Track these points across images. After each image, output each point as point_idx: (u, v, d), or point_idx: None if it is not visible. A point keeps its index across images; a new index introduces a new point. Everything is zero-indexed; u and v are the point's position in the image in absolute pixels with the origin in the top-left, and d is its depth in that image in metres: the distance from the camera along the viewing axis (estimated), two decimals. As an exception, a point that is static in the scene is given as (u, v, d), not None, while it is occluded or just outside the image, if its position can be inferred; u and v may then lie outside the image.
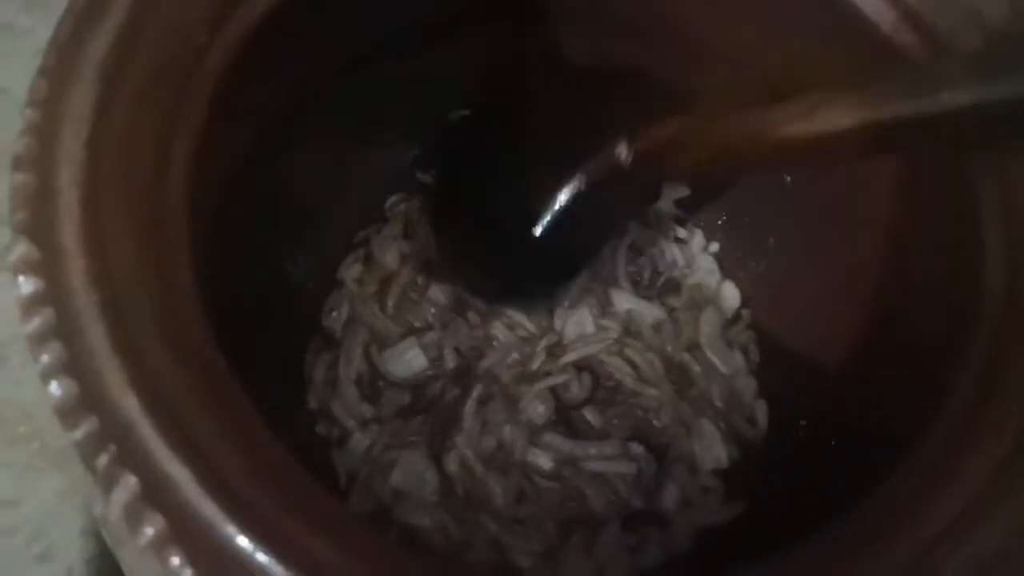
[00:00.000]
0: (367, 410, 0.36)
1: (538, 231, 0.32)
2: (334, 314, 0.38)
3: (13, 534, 0.32)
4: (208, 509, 0.18)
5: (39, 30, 0.42)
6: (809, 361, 0.37)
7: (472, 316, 0.38)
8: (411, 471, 0.35)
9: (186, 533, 0.18)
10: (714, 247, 0.41)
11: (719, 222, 0.41)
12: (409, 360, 0.37)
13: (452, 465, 0.35)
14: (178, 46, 0.23)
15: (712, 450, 0.37)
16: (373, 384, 0.37)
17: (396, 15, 0.30)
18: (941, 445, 0.22)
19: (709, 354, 0.39)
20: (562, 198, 0.32)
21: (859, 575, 0.20)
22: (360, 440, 0.36)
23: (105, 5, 0.23)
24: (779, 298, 0.40)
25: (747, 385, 0.39)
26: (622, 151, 0.31)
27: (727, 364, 0.39)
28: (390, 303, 0.38)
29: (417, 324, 0.38)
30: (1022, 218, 0.25)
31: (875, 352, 0.33)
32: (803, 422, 0.36)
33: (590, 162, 0.31)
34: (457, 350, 0.37)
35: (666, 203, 0.41)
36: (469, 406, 0.36)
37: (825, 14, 0.29)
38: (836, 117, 0.24)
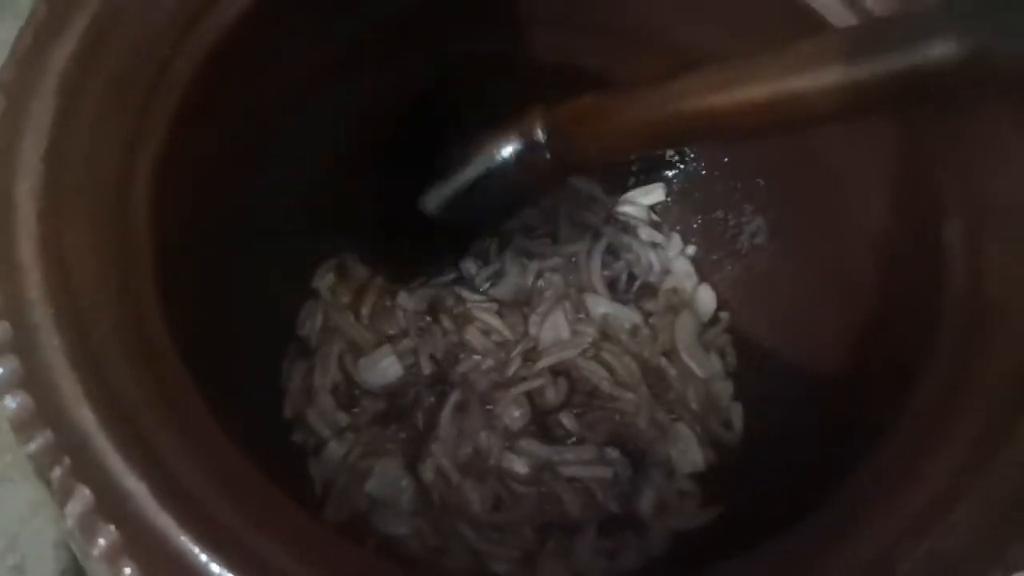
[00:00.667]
0: (342, 418, 0.36)
1: (435, 203, 0.32)
2: (308, 323, 0.38)
3: (-13, 546, 0.32)
4: (162, 520, 0.18)
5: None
6: (785, 364, 0.37)
7: (447, 322, 0.38)
8: (387, 479, 0.35)
9: (139, 544, 0.18)
10: (691, 250, 0.41)
11: (695, 225, 0.42)
12: (384, 368, 0.37)
13: (428, 473, 0.35)
14: (141, 59, 0.23)
15: (688, 454, 0.37)
16: (349, 392, 0.37)
17: (356, 26, 0.30)
18: (904, 446, 0.23)
19: (685, 358, 0.39)
20: (469, 171, 0.31)
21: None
22: (336, 449, 0.36)
23: (66, 17, 0.23)
24: (756, 301, 0.40)
25: (723, 389, 0.39)
26: (536, 124, 0.30)
27: (703, 368, 0.39)
28: (364, 312, 0.38)
29: (392, 332, 0.38)
30: (983, 218, 0.25)
31: (850, 353, 0.33)
32: (778, 424, 0.36)
33: (502, 133, 0.31)
34: (432, 357, 0.37)
35: (641, 208, 0.41)
36: (445, 413, 0.36)
37: (789, 17, 0.29)
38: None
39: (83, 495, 0.18)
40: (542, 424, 0.37)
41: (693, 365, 0.39)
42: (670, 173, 0.41)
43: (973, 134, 0.25)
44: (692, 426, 0.38)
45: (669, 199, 0.42)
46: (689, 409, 0.38)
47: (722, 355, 0.40)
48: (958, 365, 0.23)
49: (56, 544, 0.33)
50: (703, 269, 0.41)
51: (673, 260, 0.41)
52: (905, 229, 0.30)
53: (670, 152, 0.40)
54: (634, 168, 0.41)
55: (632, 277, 0.41)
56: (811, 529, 0.22)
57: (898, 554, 0.20)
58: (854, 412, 0.31)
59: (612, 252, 0.41)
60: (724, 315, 0.41)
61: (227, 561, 0.18)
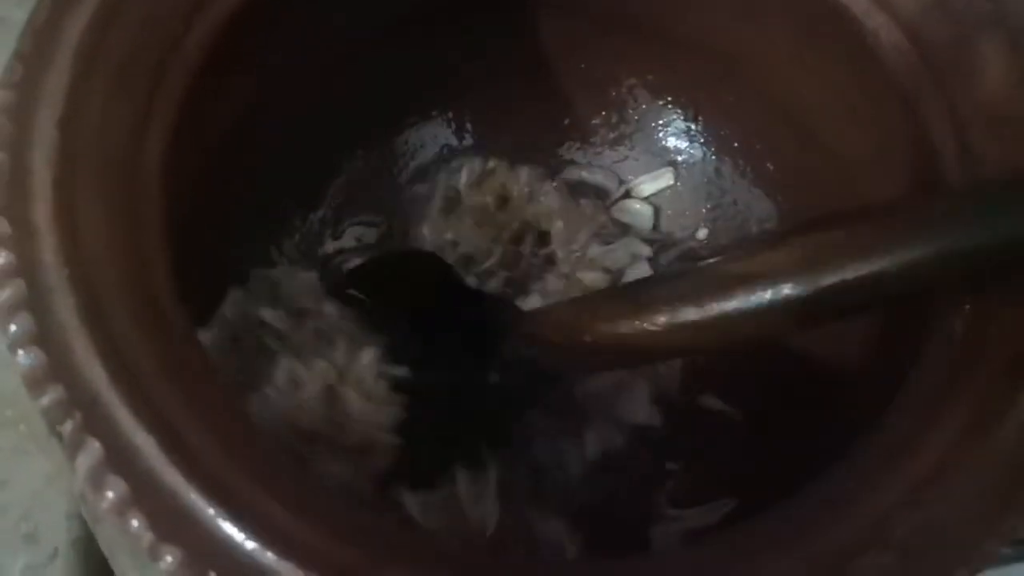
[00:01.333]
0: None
1: None
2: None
3: (2, 514, 0.33)
4: (170, 475, 0.19)
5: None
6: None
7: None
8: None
9: (147, 497, 0.18)
10: (702, 234, 0.41)
11: (704, 209, 0.41)
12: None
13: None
14: (154, 32, 0.24)
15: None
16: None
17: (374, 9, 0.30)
18: (902, 421, 0.23)
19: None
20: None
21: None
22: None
23: (80, -9, 0.23)
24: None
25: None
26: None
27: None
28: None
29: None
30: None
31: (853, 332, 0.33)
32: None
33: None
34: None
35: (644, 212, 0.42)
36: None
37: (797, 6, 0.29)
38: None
39: (93, 448, 0.18)
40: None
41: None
42: (679, 158, 0.41)
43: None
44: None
45: (678, 183, 0.42)
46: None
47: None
48: (959, 340, 0.23)
49: (68, 515, 0.33)
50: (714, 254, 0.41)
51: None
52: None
53: (678, 133, 0.40)
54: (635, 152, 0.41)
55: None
56: (811, 498, 0.22)
57: (895, 521, 0.20)
58: (855, 389, 0.31)
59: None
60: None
61: (231, 514, 0.19)
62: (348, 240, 0.38)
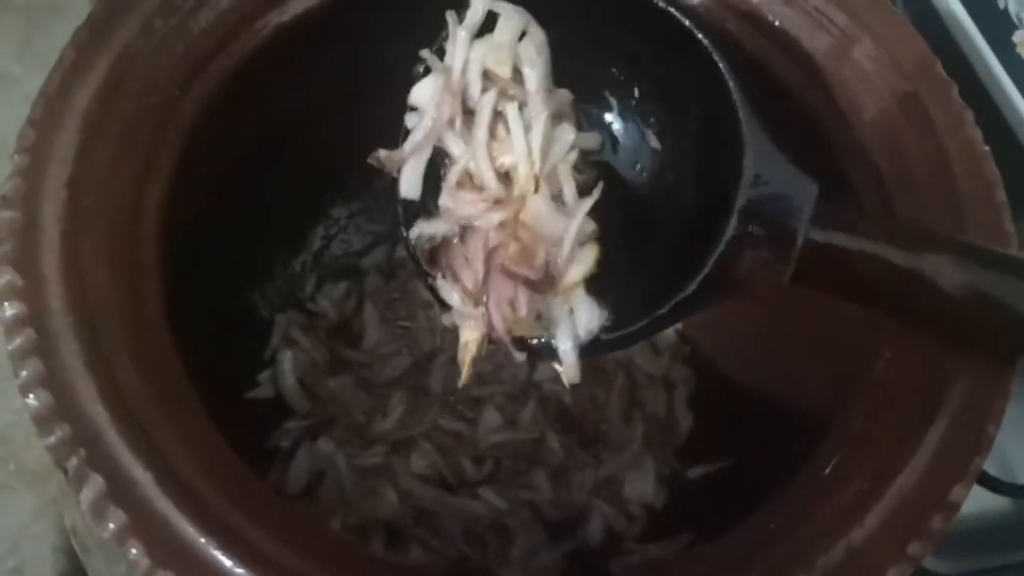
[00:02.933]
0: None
1: None
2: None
3: (-11, 548, 0.34)
4: (165, 506, 0.20)
5: (32, 77, 0.45)
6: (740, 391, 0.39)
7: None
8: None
9: (145, 527, 0.20)
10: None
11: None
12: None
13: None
14: (153, 99, 0.26)
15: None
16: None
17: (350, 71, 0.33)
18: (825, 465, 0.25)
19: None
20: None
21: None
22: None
23: (89, 62, 0.25)
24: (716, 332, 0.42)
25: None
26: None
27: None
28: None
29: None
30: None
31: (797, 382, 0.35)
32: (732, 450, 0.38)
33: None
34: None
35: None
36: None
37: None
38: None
39: (96, 482, 0.20)
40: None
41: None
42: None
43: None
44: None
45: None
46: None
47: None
48: (877, 387, 0.26)
49: (54, 549, 0.35)
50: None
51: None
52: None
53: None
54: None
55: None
56: (750, 530, 0.24)
57: (819, 550, 0.22)
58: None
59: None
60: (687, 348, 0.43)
61: (221, 544, 0.20)
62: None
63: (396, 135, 0.37)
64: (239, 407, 0.35)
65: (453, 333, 0.24)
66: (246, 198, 0.31)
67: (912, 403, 0.24)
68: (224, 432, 0.23)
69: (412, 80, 0.25)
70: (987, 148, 0.28)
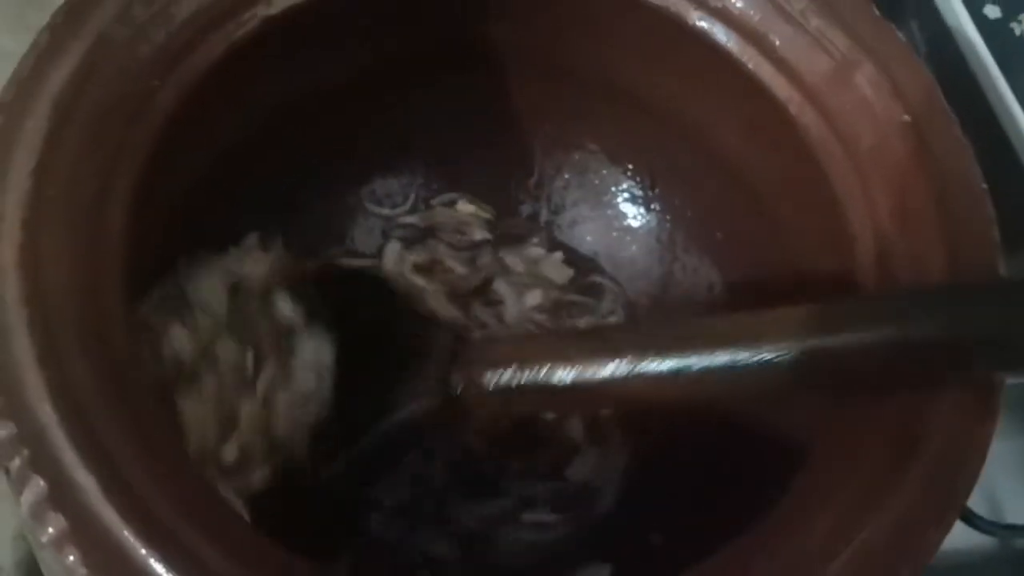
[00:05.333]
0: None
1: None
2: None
3: (-53, 535, 0.33)
4: (107, 513, 0.20)
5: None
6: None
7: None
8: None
9: (84, 534, 0.19)
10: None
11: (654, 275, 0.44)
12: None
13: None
14: (129, 87, 0.26)
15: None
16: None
17: (338, 65, 0.32)
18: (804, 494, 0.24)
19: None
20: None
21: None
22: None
23: (64, 47, 0.25)
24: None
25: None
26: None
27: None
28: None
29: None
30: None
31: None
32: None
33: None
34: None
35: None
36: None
37: (736, 80, 0.31)
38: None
39: (37, 485, 0.20)
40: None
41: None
42: (635, 223, 0.43)
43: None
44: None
45: (634, 247, 0.43)
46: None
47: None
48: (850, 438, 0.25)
49: (15, 536, 0.34)
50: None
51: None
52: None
53: (635, 199, 0.42)
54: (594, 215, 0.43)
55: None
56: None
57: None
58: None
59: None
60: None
61: (164, 556, 0.20)
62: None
63: (379, 132, 0.37)
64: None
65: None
66: (223, 196, 0.30)
67: (885, 449, 0.24)
68: (180, 438, 0.22)
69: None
70: (985, 186, 0.27)
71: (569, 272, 0.42)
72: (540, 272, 0.42)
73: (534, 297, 0.40)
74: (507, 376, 0.27)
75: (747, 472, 0.31)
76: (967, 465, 0.24)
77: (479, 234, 0.42)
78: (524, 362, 0.27)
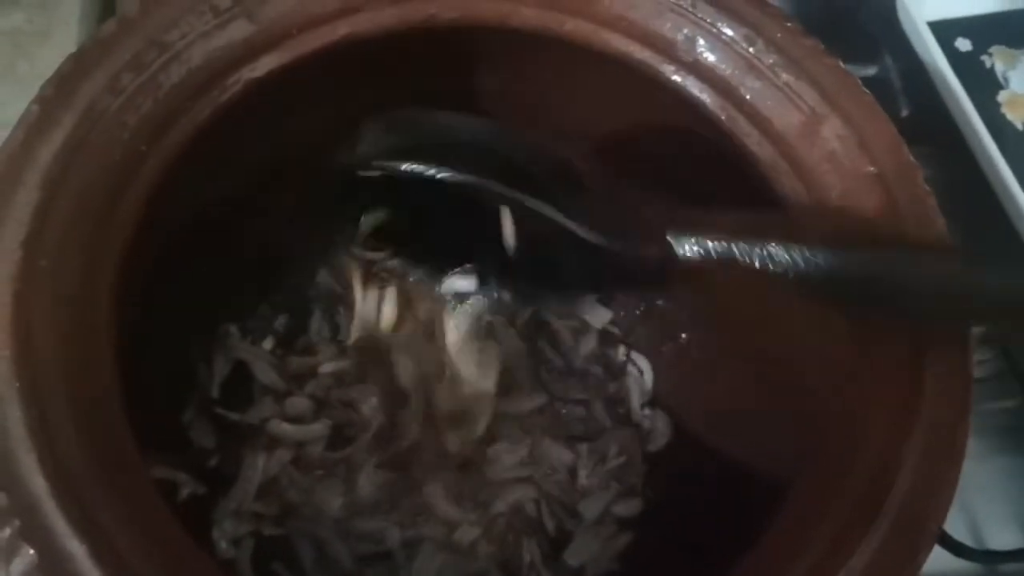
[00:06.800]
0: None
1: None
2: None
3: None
4: (97, 582, 0.20)
5: (13, 103, 0.45)
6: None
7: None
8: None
9: (74, 604, 0.20)
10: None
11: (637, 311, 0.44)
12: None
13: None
14: (118, 156, 0.26)
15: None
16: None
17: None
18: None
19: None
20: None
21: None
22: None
23: (54, 119, 0.26)
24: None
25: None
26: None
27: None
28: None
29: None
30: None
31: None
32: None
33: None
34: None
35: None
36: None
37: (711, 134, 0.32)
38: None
39: (27, 555, 0.20)
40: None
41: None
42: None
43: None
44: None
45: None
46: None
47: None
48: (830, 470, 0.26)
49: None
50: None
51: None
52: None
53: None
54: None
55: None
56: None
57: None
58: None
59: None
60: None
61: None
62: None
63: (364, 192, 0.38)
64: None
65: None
66: (211, 258, 0.31)
67: (859, 492, 0.24)
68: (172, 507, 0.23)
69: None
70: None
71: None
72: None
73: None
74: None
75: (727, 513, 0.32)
76: (937, 501, 0.24)
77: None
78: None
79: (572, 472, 0.40)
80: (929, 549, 0.24)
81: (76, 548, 0.20)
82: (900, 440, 0.25)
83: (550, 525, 0.39)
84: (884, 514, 0.24)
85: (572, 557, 0.38)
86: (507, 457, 0.39)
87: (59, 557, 0.20)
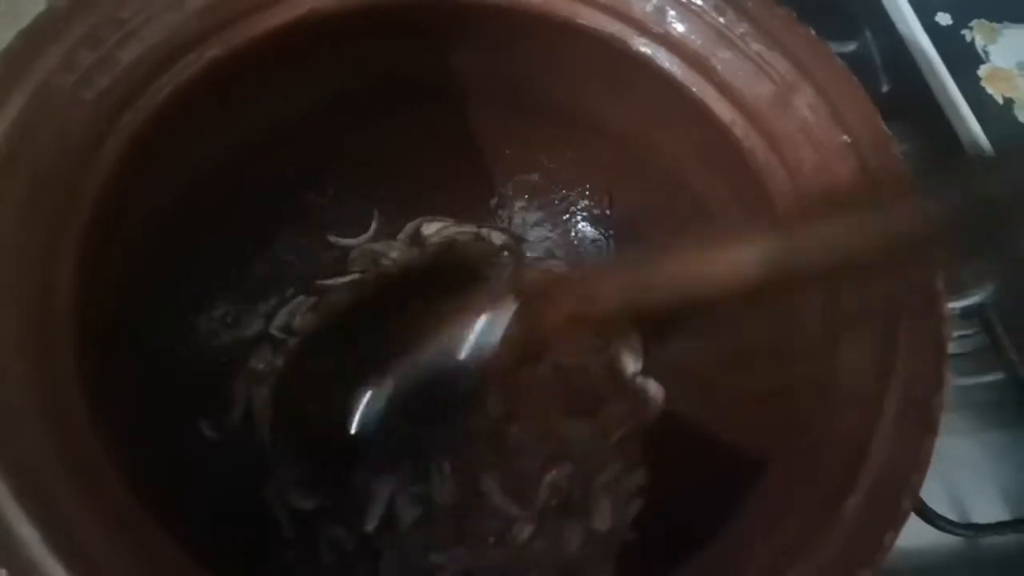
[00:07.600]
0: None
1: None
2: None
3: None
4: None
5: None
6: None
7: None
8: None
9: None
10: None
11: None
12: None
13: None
14: (75, 137, 0.25)
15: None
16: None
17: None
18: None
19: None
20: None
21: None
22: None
23: (3, 99, 0.25)
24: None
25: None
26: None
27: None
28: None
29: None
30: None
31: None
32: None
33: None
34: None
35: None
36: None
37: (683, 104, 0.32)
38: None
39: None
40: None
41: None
42: (593, 241, 0.43)
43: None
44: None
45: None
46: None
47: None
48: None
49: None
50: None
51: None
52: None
53: (593, 219, 0.42)
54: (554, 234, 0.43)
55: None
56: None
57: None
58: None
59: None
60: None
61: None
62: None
63: (332, 174, 0.37)
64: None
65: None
66: (176, 246, 0.30)
67: (835, 465, 0.24)
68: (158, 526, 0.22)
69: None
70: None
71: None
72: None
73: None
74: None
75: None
76: (913, 472, 0.24)
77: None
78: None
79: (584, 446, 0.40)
80: (904, 519, 0.24)
81: (29, 535, 0.20)
82: (874, 412, 0.25)
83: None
84: (859, 486, 0.24)
85: (599, 522, 0.37)
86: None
87: (13, 544, 0.20)
